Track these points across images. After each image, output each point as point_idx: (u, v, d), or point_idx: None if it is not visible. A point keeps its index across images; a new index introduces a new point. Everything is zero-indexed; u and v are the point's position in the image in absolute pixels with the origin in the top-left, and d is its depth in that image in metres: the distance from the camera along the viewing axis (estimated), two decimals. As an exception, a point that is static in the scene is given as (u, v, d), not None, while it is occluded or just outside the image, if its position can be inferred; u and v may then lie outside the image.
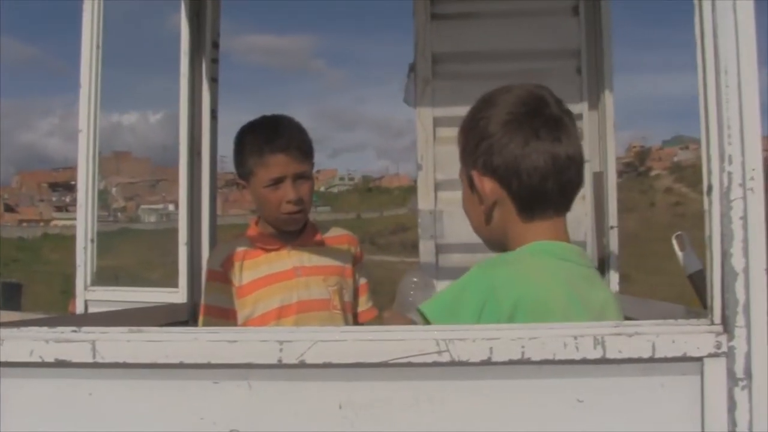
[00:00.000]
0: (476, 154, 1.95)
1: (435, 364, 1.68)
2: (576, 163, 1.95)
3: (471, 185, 1.99)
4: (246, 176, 3.03)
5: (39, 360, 1.74)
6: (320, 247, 3.12)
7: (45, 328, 1.78)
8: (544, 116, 1.95)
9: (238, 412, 1.73)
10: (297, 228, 3.09)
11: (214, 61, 3.88)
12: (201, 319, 3.09)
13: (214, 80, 3.87)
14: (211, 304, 3.07)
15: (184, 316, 3.62)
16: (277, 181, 2.95)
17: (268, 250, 3.07)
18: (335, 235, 3.20)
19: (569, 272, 1.95)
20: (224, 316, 3.01)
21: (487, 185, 1.94)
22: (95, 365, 1.73)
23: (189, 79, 3.78)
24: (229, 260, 3.06)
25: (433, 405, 1.71)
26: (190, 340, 1.74)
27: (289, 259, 3.07)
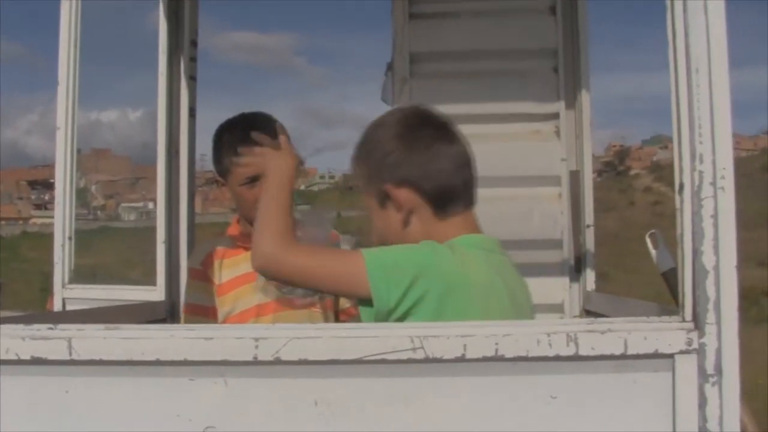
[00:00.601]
0: (383, 171, 2.07)
1: (410, 360, 1.70)
2: (470, 160, 2.14)
3: (382, 203, 2.10)
4: (223, 174, 2.99)
5: (15, 357, 1.75)
6: None
7: (21, 326, 1.78)
8: (432, 124, 2.12)
9: (214, 409, 1.74)
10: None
11: (193, 59, 3.87)
12: (182, 317, 3.08)
13: (192, 78, 3.86)
14: (191, 303, 3.05)
15: (162, 314, 3.61)
16: (253, 179, 2.88)
17: (248, 249, 2.99)
18: None
19: (497, 262, 2.09)
20: (204, 314, 2.99)
21: (402, 194, 2.06)
22: (71, 362, 1.74)
23: (167, 78, 3.76)
24: (209, 258, 3.06)
25: (407, 401, 1.73)
26: (167, 337, 1.75)
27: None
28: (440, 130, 2.11)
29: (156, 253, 3.77)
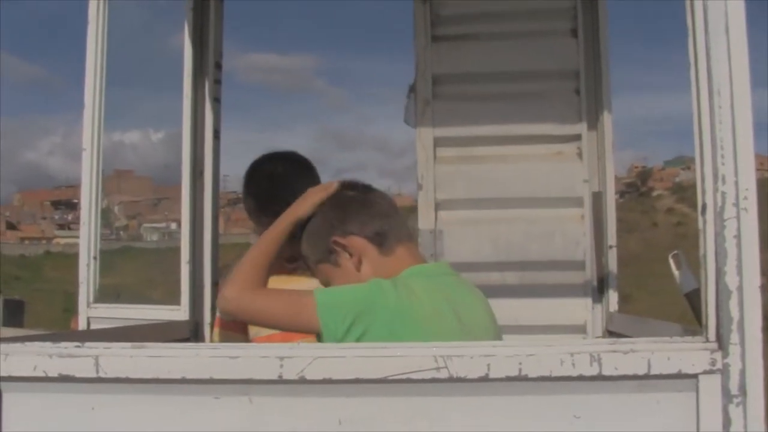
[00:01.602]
0: (327, 234, 2.36)
1: (433, 380, 1.70)
2: (389, 205, 2.44)
3: (335, 261, 2.36)
4: (257, 219, 3.03)
5: (42, 375, 1.76)
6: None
7: (48, 343, 1.80)
8: (346, 184, 2.48)
9: (239, 427, 1.75)
10: (287, 255, 2.85)
11: (217, 81, 3.89)
12: (216, 330, 3.09)
13: (216, 100, 3.88)
14: (225, 318, 3.07)
15: (186, 334, 3.62)
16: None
17: (280, 273, 3.01)
18: None
19: (445, 285, 2.30)
20: (238, 329, 3.00)
21: (353, 241, 2.33)
22: (98, 380, 1.75)
23: (192, 100, 3.78)
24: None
25: (431, 421, 1.73)
26: (192, 355, 1.77)
27: (298, 282, 3.02)
28: (355, 186, 2.45)
29: (180, 273, 3.78)
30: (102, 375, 1.75)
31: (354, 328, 2.07)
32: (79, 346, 1.78)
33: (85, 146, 3.88)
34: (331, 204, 2.41)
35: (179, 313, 3.70)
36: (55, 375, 1.76)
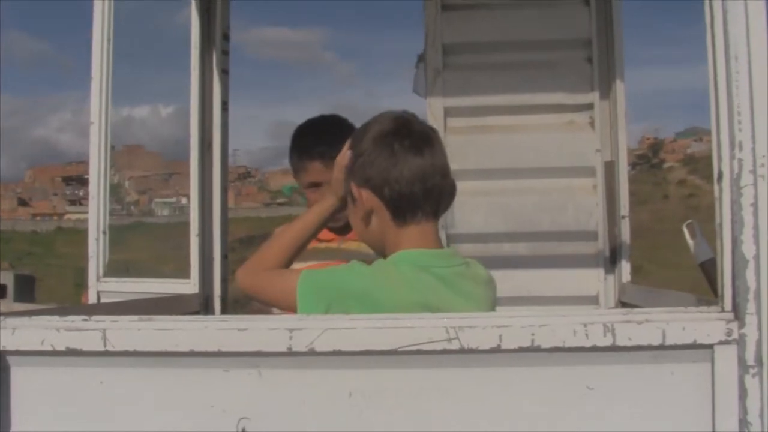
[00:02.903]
0: (354, 169, 2.22)
1: (445, 351, 1.68)
2: (437, 173, 2.20)
3: (352, 200, 2.25)
4: (294, 173, 3.22)
5: (50, 348, 1.75)
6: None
7: (56, 317, 1.79)
8: (408, 133, 2.20)
9: (248, 400, 1.74)
10: (341, 224, 3.02)
11: (225, 52, 3.86)
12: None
13: (224, 72, 3.86)
14: None
15: (196, 307, 3.62)
16: (315, 185, 3.07)
17: (320, 241, 3.07)
18: None
19: (428, 283, 2.13)
20: None
21: (364, 194, 2.19)
22: (106, 353, 1.74)
23: (199, 72, 3.76)
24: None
25: (442, 392, 1.72)
26: (201, 328, 1.75)
27: (338, 251, 3.17)
28: (413, 139, 2.19)
29: (190, 247, 3.78)
30: (109, 348, 1.73)
31: (329, 313, 2.03)
32: (86, 320, 1.77)
33: (93, 120, 3.87)
34: (372, 138, 2.21)
35: (189, 286, 3.69)
36: (63, 348, 1.75)
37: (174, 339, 1.73)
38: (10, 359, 1.78)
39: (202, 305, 3.67)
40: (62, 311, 2.17)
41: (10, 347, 1.77)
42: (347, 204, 2.32)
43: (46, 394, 1.78)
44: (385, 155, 2.17)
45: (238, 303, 3.87)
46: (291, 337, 1.70)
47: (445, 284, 2.15)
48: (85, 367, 1.77)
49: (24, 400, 1.79)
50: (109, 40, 3.88)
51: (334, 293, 2.07)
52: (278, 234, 2.47)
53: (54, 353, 1.75)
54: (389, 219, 2.19)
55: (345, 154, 2.27)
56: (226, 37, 3.89)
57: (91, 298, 3.80)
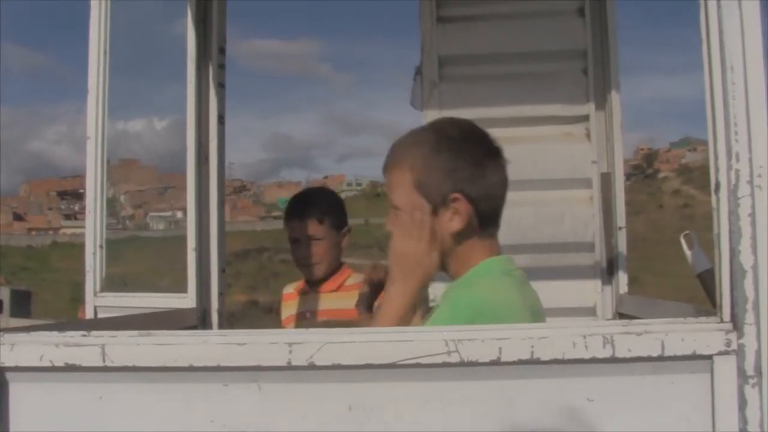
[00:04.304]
0: (453, 179, 2.09)
1: (444, 364, 1.68)
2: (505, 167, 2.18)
3: (436, 208, 2.09)
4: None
5: (49, 364, 1.75)
6: (334, 293, 3.57)
7: (55, 333, 1.79)
8: (481, 139, 2.17)
9: (248, 414, 1.73)
10: (316, 278, 3.60)
11: (221, 66, 3.86)
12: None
13: (221, 85, 3.86)
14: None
15: (193, 321, 3.62)
16: (293, 241, 3.61)
17: (298, 293, 3.69)
18: (354, 282, 3.51)
19: (518, 284, 2.14)
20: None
21: (464, 208, 2.08)
22: (105, 369, 1.73)
23: (195, 85, 3.76)
24: (284, 297, 3.77)
25: (442, 405, 1.71)
26: (200, 343, 1.75)
27: (304, 304, 3.63)
28: (490, 146, 2.17)
29: (187, 261, 3.77)
30: (108, 364, 1.73)
31: None
32: (85, 335, 1.76)
33: (90, 134, 3.87)
34: (472, 150, 2.13)
35: (186, 300, 3.69)
36: (62, 364, 1.74)
37: (173, 354, 1.72)
38: (9, 375, 1.77)
39: (199, 319, 3.66)
40: (61, 326, 2.16)
41: (9, 363, 1.76)
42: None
43: (45, 410, 1.78)
44: (486, 172, 2.12)
45: (234, 317, 3.87)
46: (290, 351, 1.70)
47: (527, 286, 2.19)
48: (84, 382, 1.76)
49: (23, 417, 1.78)
50: (105, 52, 3.89)
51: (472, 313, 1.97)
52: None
53: (53, 369, 1.74)
54: (476, 232, 2.12)
55: (404, 171, 2.14)
56: (222, 51, 3.89)
57: (89, 313, 3.79)
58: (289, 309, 3.70)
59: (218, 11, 3.84)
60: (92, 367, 1.73)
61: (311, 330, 1.79)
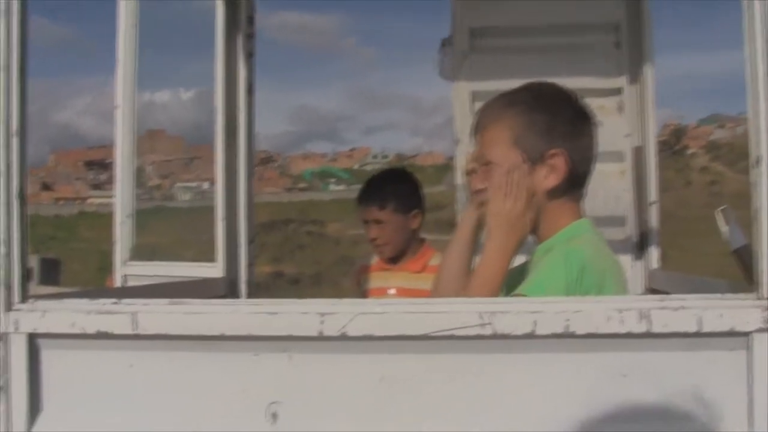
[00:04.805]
0: (557, 136, 2.11)
1: (478, 337, 1.66)
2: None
3: (534, 162, 2.11)
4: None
5: (80, 332, 1.74)
6: (419, 274, 3.70)
7: (86, 300, 1.79)
8: (585, 109, 2.22)
9: (278, 385, 1.73)
10: (385, 257, 3.77)
11: (250, 36, 3.84)
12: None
13: (250, 55, 3.84)
14: None
15: (221, 291, 3.62)
16: (363, 222, 3.76)
17: (380, 269, 3.83)
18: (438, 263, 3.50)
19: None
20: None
21: (561, 164, 2.10)
22: (136, 337, 1.73)
23: (224, 55, 3.75)
24: (362, 269, 3.90)
25: (474, 378, 1.70)
26: (231, 312, 1.74)
27: (388, 280, 3.77)
28: (587, 108, 2.22)
29: (212, 233, 3.78)
30: (140, 332, 1.72)
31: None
32: (116, 303, 1.76)
33: (118, 104, 3.87)
34: (578, 111, 2.18)
35: (215, 270, 3.69)
36: (93, 332, 1.74)
37: (205, 323, 1.72)
38: (41, 342, 1.78)
39: (227, 289, 3.67)
40: (91, 294, 2.17)
41: (41, 330, 1.76)
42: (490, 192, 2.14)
43: (76, 377, 1.78)
44: (587, 134, 2.18)
45: (259, 287, 3.88)
46: (322, 322, 1.68)
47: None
48: (114, 350, 1.76)
49: (54, 383, 1.79)
50: (134, 25, 3.89)
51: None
52: (442, 265, 2.41)
53: (84, 336, 1.75)
54: (569, 193, 2.15)
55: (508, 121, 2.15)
56: (251, 20, 3.87)
57: (117, 282, 3.81)
58: (370, 282, 3.84)
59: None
60: (123, 335, 1.73)
61: (343, 300, 1.77)
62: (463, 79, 4.17)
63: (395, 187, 3.78)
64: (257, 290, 3.90)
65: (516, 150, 2.11)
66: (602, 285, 1.99)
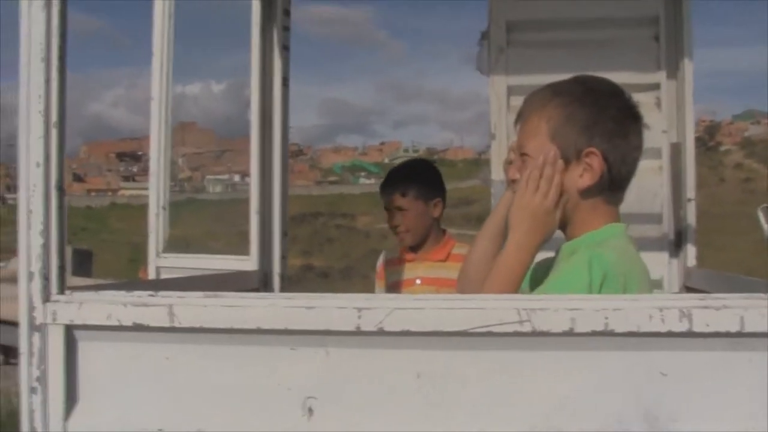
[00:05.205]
0: (597, 133, 2.03)
1: (516, 333, 1.64)
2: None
3: (568, 159, 2.04)
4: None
5: (117, 323, 1.75)
6: (443, 263, 3.74)
7: (122, 292, 1.79)
8: (635, 109, 2.11)
9: (314, 379, 1.72)
10: (406, 244, 3.79)
11: (286, 28, 3.84)
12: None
13: (285, 48, 3.83)
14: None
15: (255, 284, 3.62)
16: (386, 210, 3.78)
17: (403, 261, 3.85)
18: (460, 252, 3.63)
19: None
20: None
21: (597, 164, 2.01)
22: (172, 329, 1.73)
23: (260, 47, 3.75)
24: (387, 262, 3.92)
25: (512, 375, 1.68)
26: (267, 305, 1.73)
27: (413, 270, 3.79)
28: (635, 109, 2.11)
29: (242, 225, 3.78)
30: (176, 324, 1.72)
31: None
32: (152, 295, 1.76)
33: (154, 95, 3.88)
34: (622, 110, 2.08)
35: (248, 263, 3.69)
36: (129, 324, 1.74)
37: (241, 316, 1.71)
38: (78, 333, 1.79)
39: (261, 282, 3.66)
40: (127, 286, 2.17)
41: (78, 321, 1.77)
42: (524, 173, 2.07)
43: (113, 369, 1.79)
44: (632, 136, 2.08)
45: (290, 281, 3.88)
46: (360, 317, 1.67)
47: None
48: (151, 342, 1.76)
49: (91, 374, 1.79)
50: (170, 16, 3.89)
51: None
52: (473, 249, 2.37)
53: (120, 328, 1.75)
54: (605, 195, 2.07)
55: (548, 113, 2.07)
56: (287, 13, 3.86)
57: (151, 274, 3.82)
58: (396, 274, 3.85)
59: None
60: (160, 327, 1.73)
61: (380, 295, 1.76)
62: (500, 74, 4.14)
63: (417, 176, 3.81)
64: (288, 283, 3.90)
65: (553, 144, 2.04)
66: (625, 292, 1.93)
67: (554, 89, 2.12)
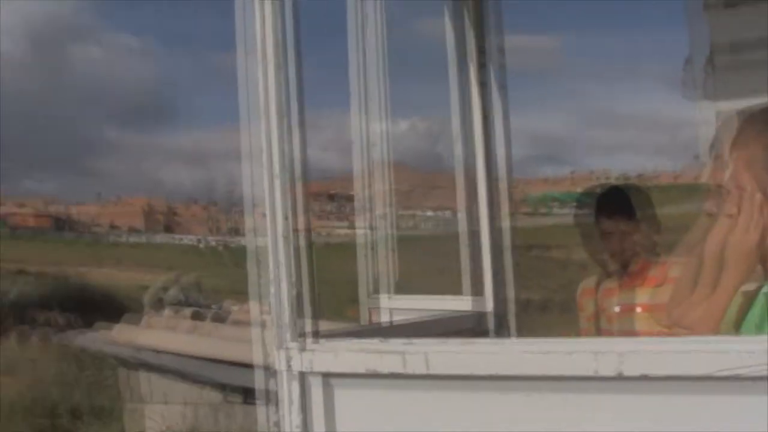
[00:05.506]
0: None
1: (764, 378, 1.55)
2: None
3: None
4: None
5: (373, 372, 1.81)
6: (657, 288, 3.61)
7: (376, 340, 1.86)
8: None
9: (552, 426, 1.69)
10: (627, 270, 3.75)
11: (482, 65, 3.84)
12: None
13: (483, 84, 3.83)
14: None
15: (485, 325, 3.55)
16: (605, 234, 3.75)
17: (612, 288, 3.80)
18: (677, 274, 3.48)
19: None
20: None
21: None
22: (428, 377, 1.78)
23: (458, 85, 3.77)
24: (586, 291, 3.95)
25: (760, 421, 1.58)
26: (524, 351, 1.73)
27: (630, 298, 3.72)
28: None
29: (461, 263, 3.76)
30: (432, 372, 1.76)
31: None
32: (408, 344, 1.80)
33: (354, 138, 3.96)
34: None
35: (463, 302, 3.67)
36: (386, 372, 1.80)
37: (496, 362, 1.73)
38: (334, 381, 1.87)
39: (475, 322, 3.59)
40: (363, 333, 2.20)
41: (334, 370, 1.86)
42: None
43: (368, 417, 1.86)
44: None
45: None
46: (596, 360, 1.64)
47: None
48: (406, 390, 1.81)
49: (347, 423, 1.87)
50: (364, 53, 3.93)
51: None
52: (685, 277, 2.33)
53: (376, 376, 1.81)
54: None
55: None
56: (482, 51, 3.86)
57: (363, 315, 3.86)
58: (607, 302, 3.81)
59: (474, 9, 3.81)
60: (415, 375, 1.78)
61: (616, 339, 1.72)
62: (707, 98, 3.99)
63: (637, 200, 3.81)
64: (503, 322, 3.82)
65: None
66: None
67: None
